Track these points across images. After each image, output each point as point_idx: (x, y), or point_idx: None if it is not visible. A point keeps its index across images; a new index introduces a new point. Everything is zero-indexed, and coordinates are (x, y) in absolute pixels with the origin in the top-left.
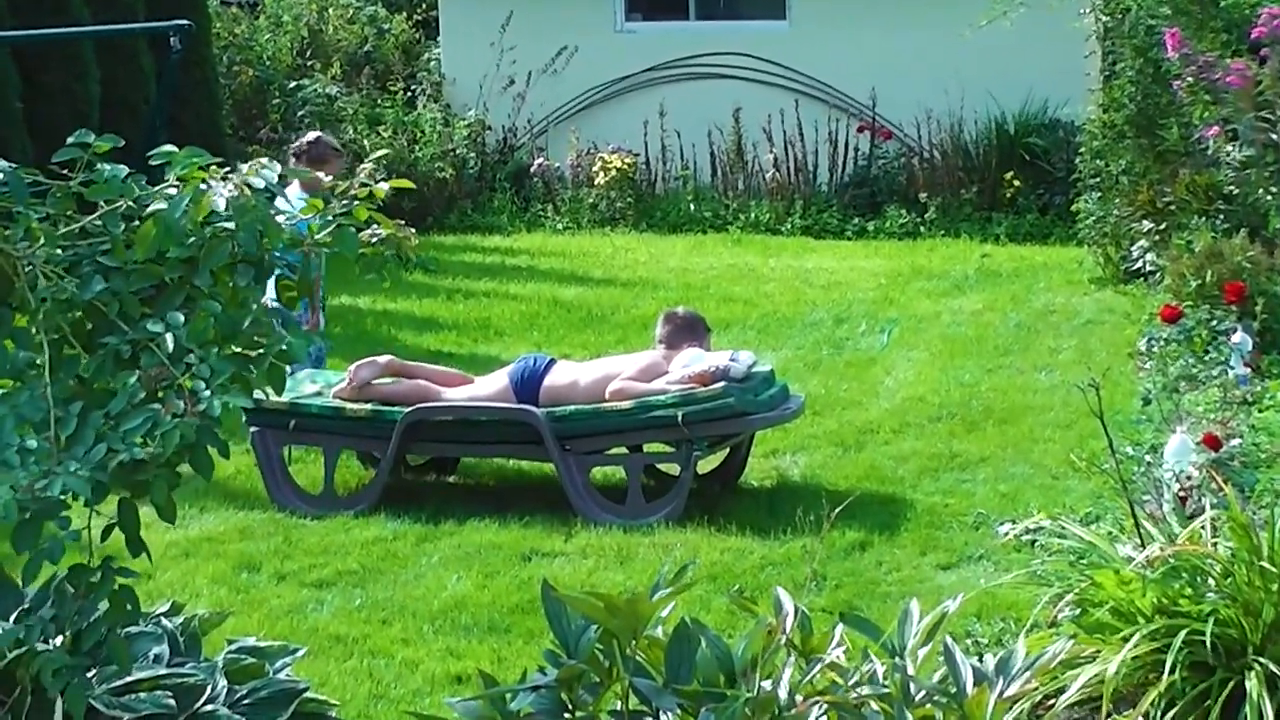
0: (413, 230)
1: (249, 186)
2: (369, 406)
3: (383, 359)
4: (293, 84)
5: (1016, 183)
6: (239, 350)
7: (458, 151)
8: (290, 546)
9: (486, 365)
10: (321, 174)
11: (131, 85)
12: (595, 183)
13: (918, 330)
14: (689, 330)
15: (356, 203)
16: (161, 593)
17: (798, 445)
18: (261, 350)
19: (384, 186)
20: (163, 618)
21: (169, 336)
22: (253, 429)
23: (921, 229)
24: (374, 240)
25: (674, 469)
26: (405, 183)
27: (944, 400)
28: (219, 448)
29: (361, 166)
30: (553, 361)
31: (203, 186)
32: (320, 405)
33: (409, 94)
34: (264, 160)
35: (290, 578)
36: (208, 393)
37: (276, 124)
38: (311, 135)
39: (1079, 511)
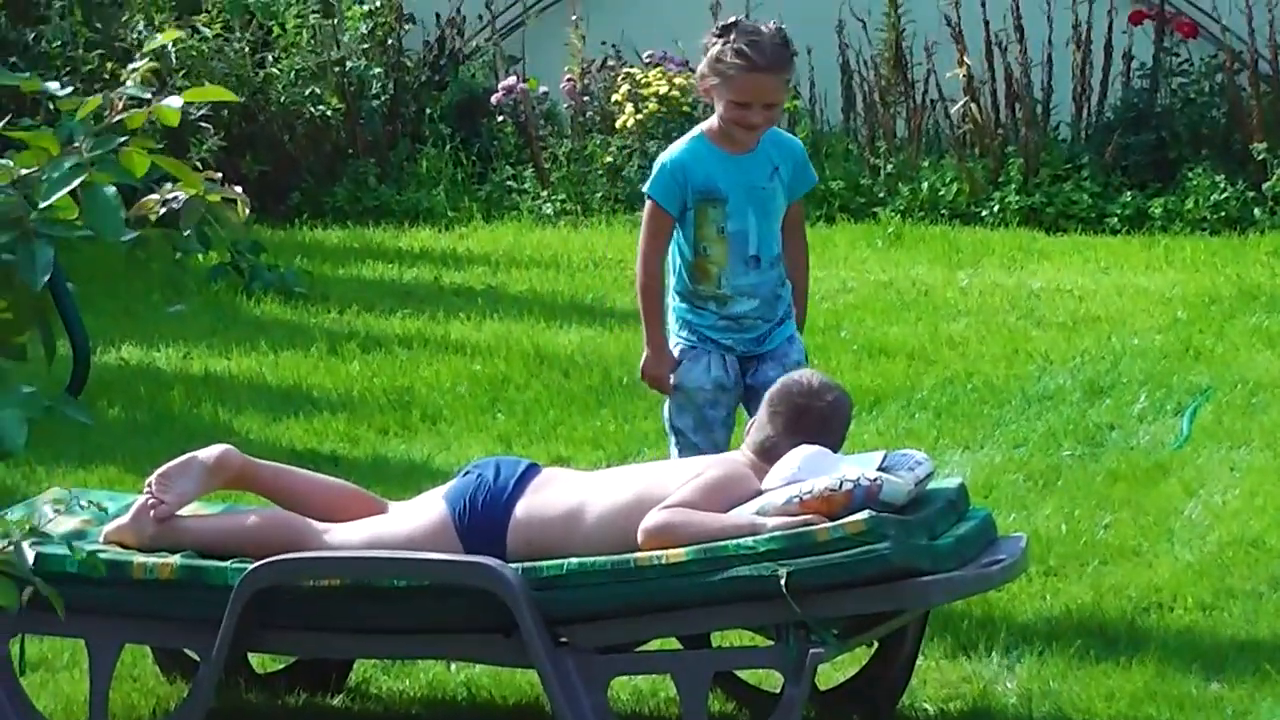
0: (241, 194)
1: None
2: (177, 560)
3: (209, 454)
4: None
5: None
6: None
7: (350, 66)
8: None
9: (406, 483)
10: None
11: None
12: (619, 125)
13: (1250, 411)
14: (824, 424)
15: (124, 141)
16: None
17: (1015, 633)
18: None
19: (175, 103)
20: None
21: None
22: None
23: (1257, 211)
24: (166, 209)
25: (772, 680)
26: (220, 91)
27: None
28: None
29: (130, 68)
30: (533, 471)
31: None
32: (83, 558)
33: None
34: None
35: None
36: None
37: None
38: (725, 22)
39: None
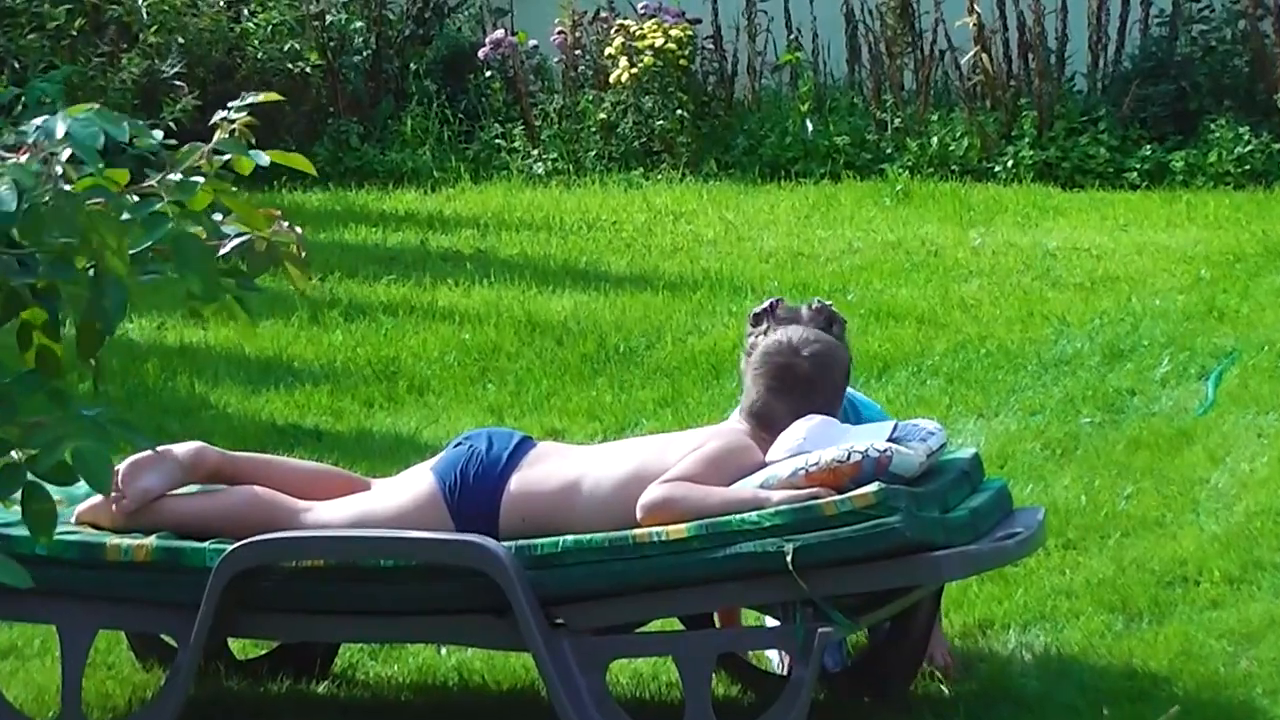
0: (299, 234)
1: None
2: (153, 541)
3: (184, 450)
4: None
5: None
6: None
7: (330, 20)
8: None
9: (392, 457)
10: None
11: None
12: (614, 80)
13: (1278, 374)
14: (810, 384)
15: (201, 181)
16: None
17: (1033, 610)
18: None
19: (261, 159)
20: None
21: None
22: None
23: None
24: (231, 252)
25: (778, 662)
26: (300, 161)
27: None
28: None
29: (220, 116)
30: (528, 444)
31: None
32: (55, 540)
33: None
34: None
35: None
36: None
37: None
38: (758, 309)
39: None
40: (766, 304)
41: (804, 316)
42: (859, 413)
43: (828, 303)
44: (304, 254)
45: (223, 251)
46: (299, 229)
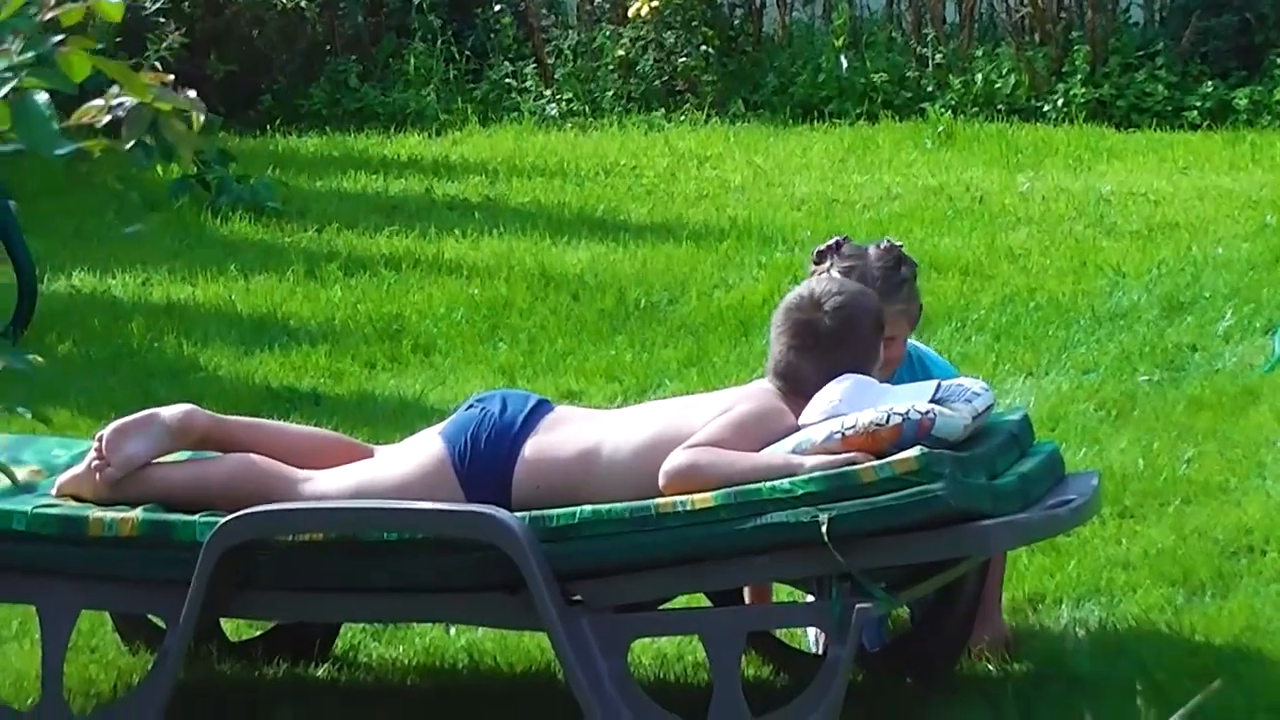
0: (196, 100)
1: None
2: (138, 513)
3: (173, 413)
4: None
5: None
6: None
7: None
8: None
9: (396, 422)
10: None
11: None
12: (633, 14)
13: None
14: (836, 339)
15: (58, 40)
16: None
17: (1087, 583)
18: None
19: None
20: None
21: None
22: None
23: None
24: (108, 121)
25: (813, 640)
26: None
27: None
28: None
29: None
30: (544, 407)
31: None
32: (33, 513)
33: None
34: None
35: None
36: None
37: None
38: (824, 245)
39: None
40: (832, 241)
41: (871, 256)
42: (927, 369)
43: (898, 243)
44: (202, 118)
45: (108, 119)
46: (193, 92)
